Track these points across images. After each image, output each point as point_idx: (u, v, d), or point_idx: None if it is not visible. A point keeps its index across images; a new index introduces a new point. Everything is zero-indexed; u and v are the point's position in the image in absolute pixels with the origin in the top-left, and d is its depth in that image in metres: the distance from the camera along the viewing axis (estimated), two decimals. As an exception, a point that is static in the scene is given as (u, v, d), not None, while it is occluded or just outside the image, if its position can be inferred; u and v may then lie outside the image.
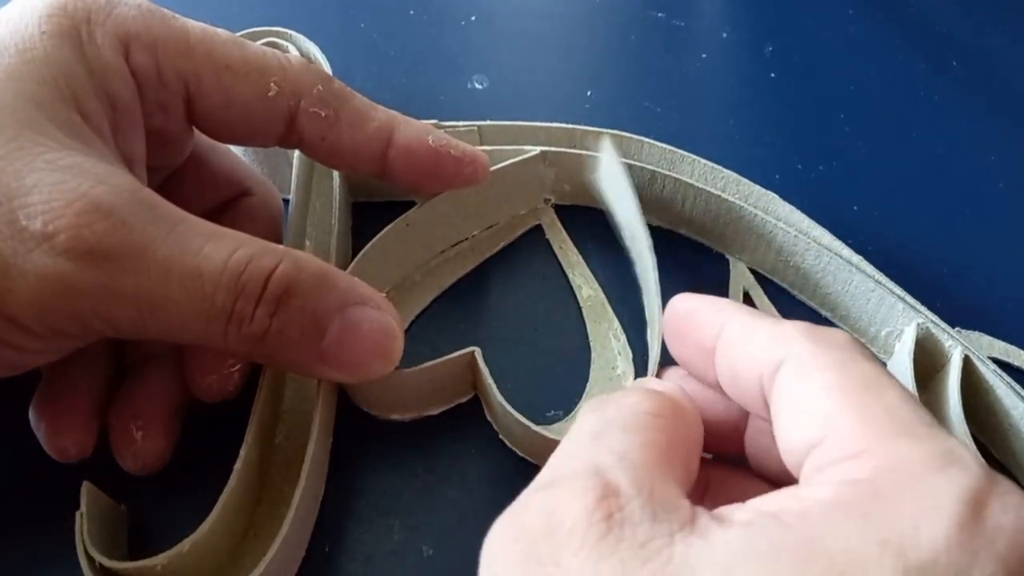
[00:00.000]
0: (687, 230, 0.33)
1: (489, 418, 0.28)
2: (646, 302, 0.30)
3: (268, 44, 0.32)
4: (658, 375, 0.25)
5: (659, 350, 0.26)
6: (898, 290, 0.29)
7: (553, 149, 0.32)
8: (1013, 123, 0.39)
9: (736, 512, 0.15)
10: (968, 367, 0.27)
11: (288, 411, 0.27)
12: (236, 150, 0.31)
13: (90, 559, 0.22)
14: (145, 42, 0.23)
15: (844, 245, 0.31)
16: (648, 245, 0.28)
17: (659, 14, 0.43)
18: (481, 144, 0.33)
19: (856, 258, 0.30)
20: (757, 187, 0.32)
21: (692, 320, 0.21)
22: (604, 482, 0.16)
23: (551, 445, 0.22)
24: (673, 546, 0.14)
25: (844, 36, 0.43)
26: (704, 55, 0.41)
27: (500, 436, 0.27)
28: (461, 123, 0.33)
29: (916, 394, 0.27)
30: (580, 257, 0.32)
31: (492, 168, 0.29)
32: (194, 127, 0.26)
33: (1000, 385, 0.27)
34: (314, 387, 0.26)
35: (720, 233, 0.32)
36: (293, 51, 0.32)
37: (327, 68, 0.32)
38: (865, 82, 0.40)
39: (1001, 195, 0.36)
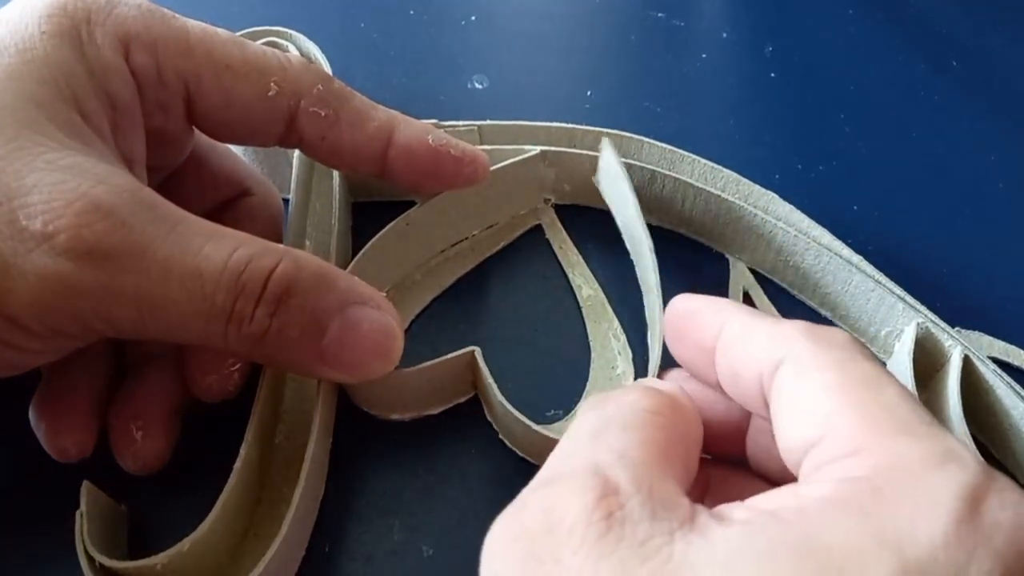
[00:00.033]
0: (687, 230, 0.33)
1: (489, 418, 0.28)
2: (647, 303, 0.30)
3: (268, 44, 0.32)
4: (659, 377, 0.25)
5: (660, 351, 0.26)
6: (898, 290, 0.29)
7: (553, 149, 0.32)
8: (1013, 123, 0.39)
9: (735, 510, 0.15)
10: (968, 367, 0.27)
11: (288, 411, 0.27)
12: (236, 150, 0.31)
13: (90, 559, 0.22)
14: (145, 42, 0.23)
15: (844, 245, 0.31)
16: (649, 246, 0.28)
17: (659, 14, 0.43)
18: (481, 144, 0.33)
19: (856, 258, 0.30)
20: (757, 187, 0.32)
21: (692, 320, 0.21)
22: (604, 480, 0.16)
23: (551, 445, 0.22)
24: (673, 544, 0.14)
25: (844, 36, 0.43)
26: (704, 55, 0.41)
27: (500, 436, 0.27)
28: (461, 123, 0.33)
29: (916, 394, 0.27)
30: (580, 257, 0.32)
31: (492, 168, 0.29)
32: (194, 127, 0.26)
33: (1000, 385, 0.27)
34: (314, 387, 0.26)
35: (720, 233, 0.32)
36: (293, 51, 0.32)
37: (327, 68, 0.32)
38: (865, 82, 0.40)
39: (1001, 195, 0.36)
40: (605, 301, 0.31)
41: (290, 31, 0.33)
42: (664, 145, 0.33)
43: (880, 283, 0.29)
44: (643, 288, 0.30)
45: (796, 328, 0.18)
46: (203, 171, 0.28)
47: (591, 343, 0.30)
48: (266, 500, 0.25)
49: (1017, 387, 0.27)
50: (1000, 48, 0.42)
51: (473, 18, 0.42)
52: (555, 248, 0.32)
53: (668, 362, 0.24)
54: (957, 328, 0.30)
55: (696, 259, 0.32)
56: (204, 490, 0.23)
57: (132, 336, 0.21)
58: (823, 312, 0.31)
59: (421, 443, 0.27)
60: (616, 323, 0.30)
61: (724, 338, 0.20)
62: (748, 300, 0.31)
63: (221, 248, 0.21)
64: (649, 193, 0.32)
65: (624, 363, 0.29)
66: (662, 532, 0.15)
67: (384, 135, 0.27)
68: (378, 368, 0.23)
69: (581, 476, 0.16)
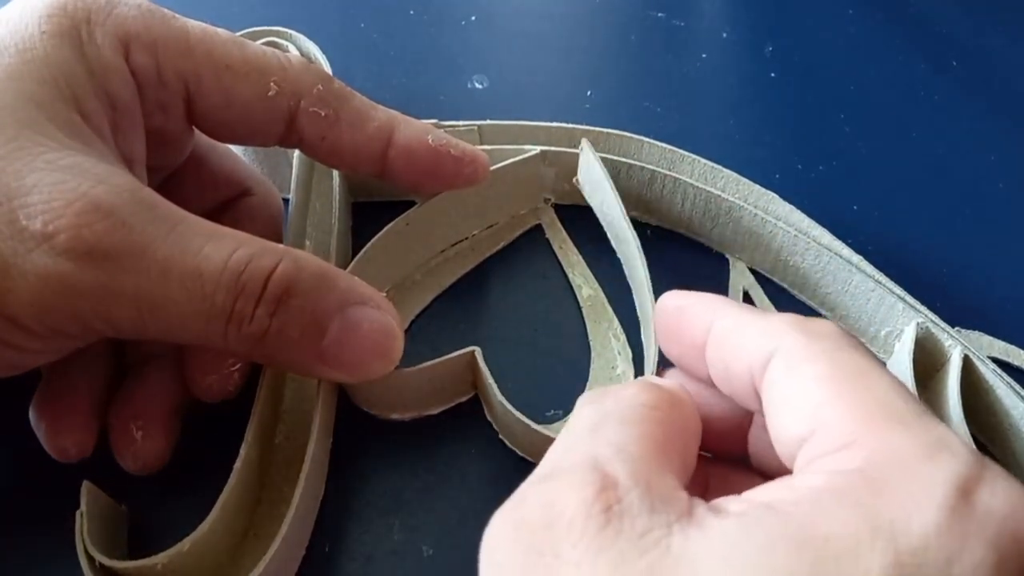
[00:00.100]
0: (687, 230, 0.33)
1: (489, 418, 0.28)
2: (638, 302, 0.30)
3: (268, 44, 0.32)
4: (658, 375, 0.25)
5: (656, 348, 0.26)
6: (898, 290, 0.29)
7: (553, 149, 0.32)
8: (1013, 123, 0.39)
9: (731, 503, 0.15)
10: (968, 367, 0.27)
11: (288, 411, 0.27)
12: (236, 150, 0.31)
13: (90, 558, 0.22)
14: (145, 42, 0.23)
15: (844, 245, 0.31)
16: (636, 244, 0.28)
17: (659, 14, 0.43)
18: (481, 144, 0.33)
19: (856, 258, 0.30)
20: (757, 187, 0.32)
21: (682, 317, 0.21)
22: (602, 474, 0.16)
23: (551, 444, 0.22)
24: (671, 537, 0.14)
25: (844, 36, 0.43)
26: (704, 55, 0.41)
27: (500, 436, 0.27)
28: (461, 123, 0.33)
29: (915, 393, 0.27)
30: (580, 257, 0.32)
31: (492, 168, 0.29)
32: (194, 127, 0.26)
33: (1000, 385, 0.27)
34: (314, 387, 0.26)
35: (720, 233, 0.32)
36: (293, 51, 0.32)
37: (327, 68, 0.32)
38: (865, 82, 0.40)
39: (1001, 195, 0.36)
40: (605, 301, 0.31)
41: (290, 31, 0.33)
42: (664, 145, 0.33)
43: (880, 283, 0.29)
44: (633, 286, 0.30)
45: (785, 321, 0.18)
46: (203, 171, 0.28)
47: (591, 343, 0.30)
48: (266, 500, 0.25)
49: (1017, 387, 0.27)
50: (1000, 48, 0.42)
51: (473, 18, 0.42)
52: (555, 248, 0.32)
53: (666, 360, 0.24)
54: (957, 328, 0.30)
55: (696, 259, 0.32)
56: (204, 490, 0.23)
57: (132, 336, 0.21)
58: (823, 312, 0.31)
59: (421, 443, 0.27)
60: (616, 323, 0.30)
61: (714, 334, 0.20)
62: (748, 300, 0.31)
63: (221, 248, 0.21)
64: (649, 193, 0.32)
65: (624, 363, 0.29)
66: (660, 525, 0.15)
67: (384, 135, 0.27)
68: (378, 368, 0.23)
69: (580, 470, 0.16)
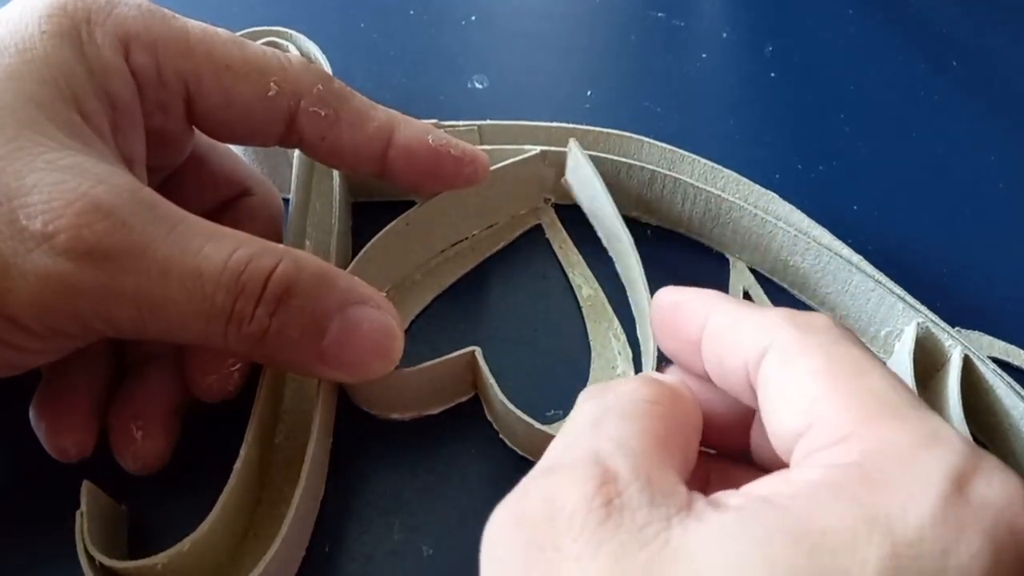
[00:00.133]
0: (687, 230, 0.33)
1: (489, 418, 0.28)
2: (634, 299, 0.30)
3: (268, 44, 0.32)
4: (659, 371, 0.25)
5: (654, 345, 0.26)
6: (898, 290, 0.29)
7: (553, 149, 0.32)
8: (1013, 123, 0.39)
9: (730, 497, 0.16)
10: (968, 367, 0.27)
11: (288, 411, 0.27)
12: (236, 150, 0.31)
13: (90, 558, 0.22)
14: (145, 42, 0.23)
15: (844, 245, 0.31)
16: (629, 242, 0.28)
17: (659, 14, 0.43)
18: (481, 144, 0.33)
19: (856, 258, 0.30)
20: (757, 187, 0.32)
21: (678, 312, 0.21)
22: (603, 469, 0.16)
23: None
24: (670, 530, 0.15)
25: (844, 36, 0.43)
26: (704, 55, 0.41)
27: (500, 436, 0.27)
28: (461, 123, 0.33)
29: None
30: (580, 257, 0.32)
31: (492, 168, 0.29)
32: (194, 127, 0.26)
33: (1000, 385, 0.27)
34: (314, 387, 0.26)
35: (720, 233, 0.32)
36: (293, 51, 0.32)
37: (327, 68, 0.32)
38: (865, 82, 0.40)
39: (1001, 195, 0.36)
40: (605, 301, 0.31)
41: (290, 31, 0.33)
42: (664, 145, 0.33)
43: (880, 283, 0.29)
44: (627, 283, 0.30)
45: (780, 315, 0.18)
46: (203, 171, 0.28)
47: (591, 343, 0.30)
48: (266, 500, 0.25)
49: (1017, 387, 0.27)
50: (1000, 48, 0.42)
51: (473, 18, 0.42)
52: (555, 248, 0.32)
53: (665, 357, 0.24)
54: (957, 328, 0.30)
55: (696, 259, 0.32)
56: (204, 490, 0.23)
57: (132, 336, 0.21)
58: (823, 312, 0.31)
59: (421, 443, 0.27)
60: (616, 323, 0.30)
61: (709, 329, 0.20)
62: (748, 300, 0.31)
63: (221, 248, 0.21)
64: (649, 193, 0.32)
65: (624, 363, 0.29)
66: (660, 518, 0.15)
67: (384, 135, 0.27)
68: (378, 368, 0.23)
69: (581, 465, 0.16)
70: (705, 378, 0.21)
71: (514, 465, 0.27)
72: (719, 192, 0.31)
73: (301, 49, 0.33)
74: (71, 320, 0.20)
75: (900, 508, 0.14)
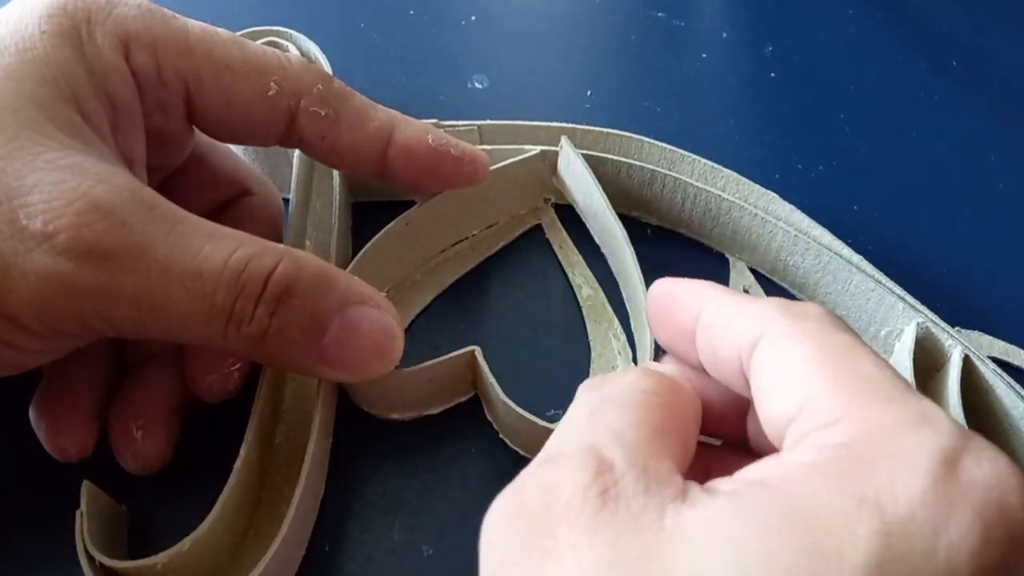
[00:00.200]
0: (687, 230, 0.33)
1: (489, 417, 0.28)
2: (629, 294, 0.30)
3: (268, 44, 0.32)
4: (657, 361, 0.25)
5: (651, 338, 0.26)
6: (898, 290, 0.29)
7: (553, 149, 0.32)
8: (1013, 123, 0.39)
9: (724, 483, 0.16)
10: (968, 367, 0.27)
11: (288, 411, 0.27)
12: (236, 150, 0.31)
13: (90, 558, 0.22)
14: (145, 42, 0.23)
15: (844, 245, 0.31)
16: (624, 237, 0.28)
17: (659, 14, 0.43)
18: (481, 144, 0.33)
19: (856, 258, 0.30)
20: (757, 187, 0.32)
21: (672, 304, 0.21)
22: (600, 459, 0.16)
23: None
24: (664, 517, 0.15)
25: (844, 36, 0.43)
26: (704, 55, 0.41)
27: (500, 435, 0.27)
28: (461, 123, 0.33)
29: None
30: (580, 257, 0.32)
31: (492, 168, 0.29)
32: (194, 127, 0.26)
33: (1000, 385, 0.27)
34: (314, 387, 0.26)
35: (720, 233, 0.32)
36: (293, 51, 0.32)
37: (327, 68, 0.32)
38: (865, 82, 0.40)
39: (1001, 195, 0.36)
40: (605, 301, 0.31)
41: (290, 31, 0.33)
42: (664, 145, 0.33)
43: (880, 283, 0.29)
44: (620, 280, 0.30)
45: (772, 305, 0.19)
46: (203, 171, 0.28)
47: (591, 343, 0.30)
48: (266, 500, 0.25)
49: (1017, 387, 0.27)
50: (1000, 48, 0.42)
51: (473, 18, 0.42)
52: (555, 248, 0.32)
53: (662, 351, 0.24)
54: (957, 328, 0.30)
55: (696, 259, 0.32)
56: (204, 490, 0.23)
57: (132, 336, 0.21)
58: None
59: (421, 443, 0.27)
60: (616, 323, 0.30)
61: (703, 319, 0.20)
62: (748, 300, 0.31)
63: (221, 248, 0.21)
64: (649, 193, 0.32)
65: (624, 363, 0.29)
66: (655, 506, 0.15)
67: (384, 135, 0.27)
68: (378, 368, 0.23)
69: (578, 455, 0.16)
70: (700, 368, 0.21)
71: (514, 464, 0.27)
72: (719, 192, 0.31)
73: (301, 49, 0.33)
74: (71, 320, 0.20)
75: (890, 488, 0.14)
